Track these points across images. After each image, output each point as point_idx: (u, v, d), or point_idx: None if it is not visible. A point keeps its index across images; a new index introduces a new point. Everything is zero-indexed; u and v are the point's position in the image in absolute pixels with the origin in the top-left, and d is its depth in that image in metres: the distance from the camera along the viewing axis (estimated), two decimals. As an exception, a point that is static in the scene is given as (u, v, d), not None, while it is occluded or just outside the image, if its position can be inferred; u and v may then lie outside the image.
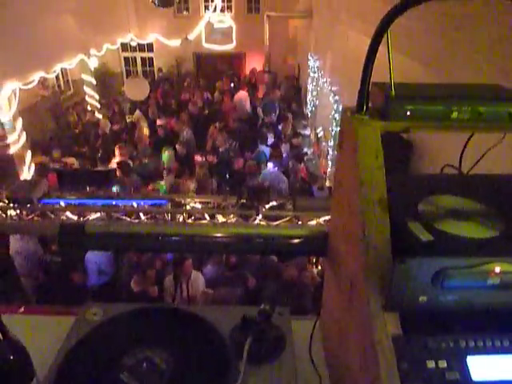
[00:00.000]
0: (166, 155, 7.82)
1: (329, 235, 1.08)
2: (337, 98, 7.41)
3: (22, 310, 1.47)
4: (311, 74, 11.04)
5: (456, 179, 1.05)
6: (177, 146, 8.26)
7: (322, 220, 4.29)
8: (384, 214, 0.78)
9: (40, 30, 8.51)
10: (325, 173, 8.04)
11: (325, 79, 8.88)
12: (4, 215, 4.38)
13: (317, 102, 10.85)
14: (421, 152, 3.59)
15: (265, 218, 4.45)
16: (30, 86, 8.33)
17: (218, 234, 1.44)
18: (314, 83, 10.83)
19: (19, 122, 8.09)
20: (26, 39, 7.92)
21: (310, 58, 11.17)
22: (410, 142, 3.76)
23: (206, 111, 10.81)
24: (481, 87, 0.94)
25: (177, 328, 1.16)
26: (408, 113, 0.82)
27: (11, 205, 4.36)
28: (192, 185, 7.07)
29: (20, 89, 7.94)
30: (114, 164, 7.30)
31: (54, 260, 5.16)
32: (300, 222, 4.45)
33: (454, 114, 0.84)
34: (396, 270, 0.71)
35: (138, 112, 10.31)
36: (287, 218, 4.45)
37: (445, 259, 0.72)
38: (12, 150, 8.07)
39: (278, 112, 10.65)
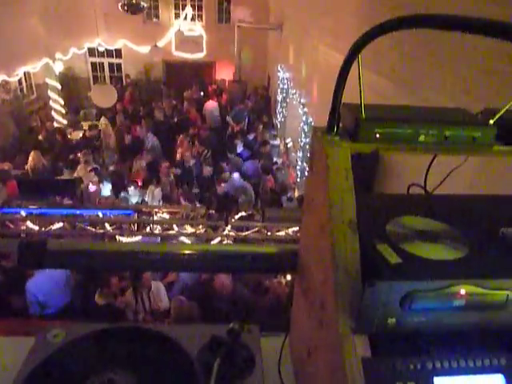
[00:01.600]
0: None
1: (299, 253, 1.08)
2: (306, 109, 7.52)
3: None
4: (281, 85, 11.17)
5: (422, 199, 1.07)
6: (144, 154, 8.13)
7: (290, 231, 4.32)
8: (353, 235, 0.79)
9: (3, 31, 8.21)
10: (294, 183, 8.12)
11: (294, 91, 9.01)
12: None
13: (286, 113, 10.98)
14: (387, 164, 3.68)
15: (234, 228, 4.44)
16: (-10, 90, 7.99)
17: (187, 252, 1.41)
18: (284, 94, 10.96)
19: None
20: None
21: (279, 69, 11.31)
22: (375, 154, 3.85)
23: (175, 119, 10.72)
24: (447, 111, 0.97)
25: (142, 348, 1.12)
26: (377, 135, 0.84)
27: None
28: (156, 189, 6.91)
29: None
30: (79, 172, 7.08)
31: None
32: (269, 233, 4.46)
33: (422, 137, 0.86)
34: (365, 292, 0.72)
35: (103, 119, 10.09)
36: (256, 229, 4.45)
37: (413, 282, 0.72)
38: (-31, 156, 7.70)
39: (247, 121, 10.73)
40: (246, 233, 4.49)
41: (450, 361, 0.75)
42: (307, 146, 7.67)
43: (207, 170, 7.38)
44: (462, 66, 2.70)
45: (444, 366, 0.75)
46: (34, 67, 10.02)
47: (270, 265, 1.37)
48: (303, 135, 7.74)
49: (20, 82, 11.79)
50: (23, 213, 4.33)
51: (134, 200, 6.85)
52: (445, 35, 2.88)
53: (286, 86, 10.73)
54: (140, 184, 7.24)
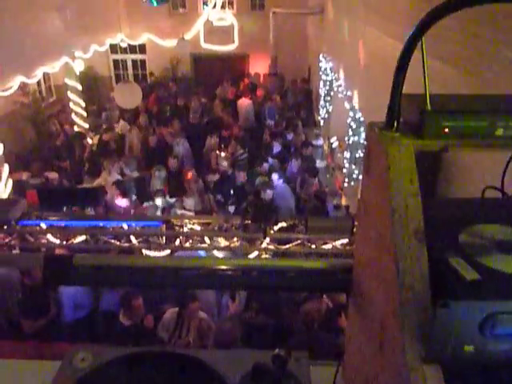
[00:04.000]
0: (156, 176, 7.79)
1: (353, 269, 1.06)
2: (353, 103, 7.44)
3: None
4: (323, 77, 11.13)
5: (500, 204, 1.03)
6: (169, 160, 8.29)
7: (339, 244, 4.26)
8: (421, 247, 0.76)
9: (21, 29, 8.66)
10: (341, 188, 8.03)
11: (339, 82, 8.95)
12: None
13: (330, 108, 10.91)
14: (453, 162, 3.55)
15: (273, 241, 4.43)
16: (8, 93, 8.45)
17: (223, 267, 1.42)
18: (327, 87, 10.91)
19: (-5, 133, 8.17)
20: (4, 39, 8.06)
21: (321, 58, 11.28)
22: (437, 155, 3.73)
23: (205, 120, 10.91)
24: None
25: (176, 375, 1.14)
26: (446, 130, 0.81)
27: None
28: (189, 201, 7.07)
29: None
30: (102, 180, 7.35)
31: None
32: (313, 246, 4.42)
33: (499, 131, 0.83)
34: (437, 314, 0.69)
35: (122, 122, 10.43)
36: (298, 242, 4.42)
37: (495, 302, 0.69)
38: (-14, 164, 8.13)
39: (285, 119, 10.75)
40: (288, 246, 4.47)
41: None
42: (355, 146, 7.58)
43: (241, 176, 7.44)
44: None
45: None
46: (53, 67, 10.48)
47: (316, 282, 1.35)
48: (351, 133, 7.66)
49: (39, 83, 12.41)
50: (43, 225, 4.51)
51: (160, 210, 7.01)
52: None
53: (329, 78, 10.68)
54: (166, 193, 7.42)
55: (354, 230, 4.16)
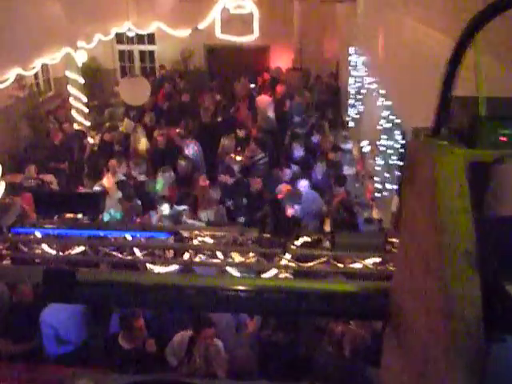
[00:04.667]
0: (161, 178, 7.86)
1: (391, 294, 1.06)
2: (388, 103, 7.41)
3: None
4: (354, 73, 11.10)
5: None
6: (179, 163, 8.36)
7: (370, 262, 4.21)
8: (472, 271, 0.76)
9: (18, 16, 8.84)
10: (372, 199, 7.98)
11: (372, 79, 8.93)
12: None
13: (361, 108, 10.88)
14: (502, 180, 3.50)
15: (294, 257, 4.41)
16: (2, 86, 8.62)
17: (238, 287, 1.43)
18: (358, 84, 10.88)
19: (-13, 130, 8.34)
20: (1, 26, 8.24)
21: (352, 52, 11.27)
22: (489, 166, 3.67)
23: (219, 118, 10.99)
24: None
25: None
26: (503, 138, 0.81)
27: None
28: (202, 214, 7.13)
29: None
30: (106, 181, 7.45)
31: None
32: (341, 265, 4.39)
33: None
34: (492, 349, 0.68)
35: (127, 120, 10.54)
36: (323, 259, 4.39)
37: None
38: (-23, 164, 8.28)
39: (309, 119, 10.77)
40: (311, 264, 4.45)
41: None
42: (389, 151, 7.53)
43: (257, 182, 7.45)
44: None
45: None
46: (53, 58, 10.65)
47: (347, 307, 1.35)
48: (384, 136, 7.61)
49: (36, 76, 12.65)
50: (38, 234, 4.57)
51: (165, 220, 7.06)
52: None
53: (360, 73, 10.65)
54: (172, 201, 7.47)
55: (388, 247, 4.13)
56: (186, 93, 12.13)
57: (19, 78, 10.18)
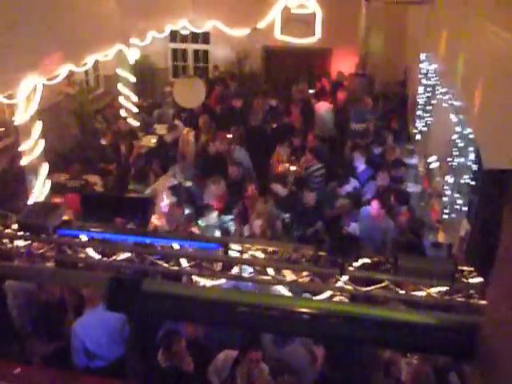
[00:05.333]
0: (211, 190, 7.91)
1: (482, 333, 1.03)
2: (461, 116, 7.24)
3: (19, 370, 1.52)
4: (424, 81, 10.93)
5: None
6: (229, 169, 8.45)
7: (435, 291, 4.13)
8: None
9: (74, 12, 9.21)
10: (438, 221, 7.79)
11: (444, 89, 8.75)
12: (10, 245, 4.68)
13: (430, 120, 10.68)
14: None
15: (352, 280, 4.37)
16: (54, 82, 8.95)
17: (292, 309, 1.43)
18: (428, 94, 10.70)
19: (37, 126, 8.66)
20: (56, 23, 8.60)
21: (423, 59, 11.10)
22: None
23: (274, 125, 11.04)
24: None
25: None
26: None
27: (20, 233, 4.65)
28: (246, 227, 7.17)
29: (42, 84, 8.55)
30: (160, 185, 7.64)
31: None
32: (402, 291, 4.31)
33: None
34: None
35: (178, 122, 10.73)
36: (383, 284, 4.33)
37: None
38: (24, 162, 8.63)
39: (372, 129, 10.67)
40: (369, 288, 4.38)
41: None
42: (461, 169, 7.34)
43: (310, 197, 7.41)
44: None
45: None
46: (105, 55, 10.99)
47: (425, 341, 1.32)
48: (456, 152, 7.43)
49: (86, 72, 13.12)
50: (84, 237, 4.73)
51: (213, 230, 7.15)
52: None
53: (431, 82, 10.47)
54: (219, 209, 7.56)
55: (457, 275, 4.02)
56: (238, 96, 12.23)
57: (70, 75, 10.54)
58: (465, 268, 4.05)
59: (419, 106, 11.37)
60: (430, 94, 10.64)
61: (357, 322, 1.40)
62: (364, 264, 4.38)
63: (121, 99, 12.41)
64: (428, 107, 10.77)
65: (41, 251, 4.68)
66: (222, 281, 4.83)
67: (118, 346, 5.31)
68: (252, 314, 1.27)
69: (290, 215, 7.64)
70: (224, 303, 1.25)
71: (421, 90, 11.25)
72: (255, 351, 4.66)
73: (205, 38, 16.14)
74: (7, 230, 4.75)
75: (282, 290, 4.96)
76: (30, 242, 4.64)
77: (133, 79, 12.38)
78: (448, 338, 1.15)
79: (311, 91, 13.20)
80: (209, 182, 8.06)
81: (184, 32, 15.26)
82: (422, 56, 11.23)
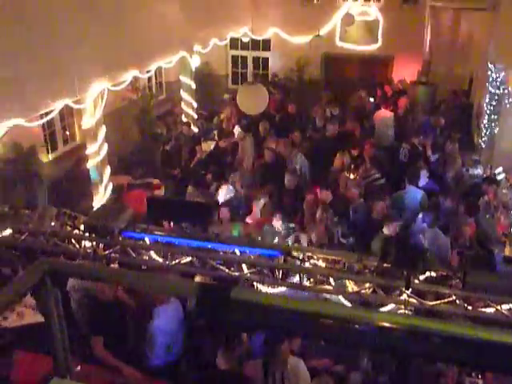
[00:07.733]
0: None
1: None
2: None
3: (79, 368, 1.54)
4: (490, 90, 10.61)
5: None
6: (286, 176, 8.42)
7: (505, 308, 3.96)
8: None
9: (142, 20, 9.48)
10: (505, 234, 7.49)
11: (513, 99, 8.46)
12: (78, 246, 4.81)
13: (496, 130, 10.36)
14: None
15: (416, 293, 4.25)
16: (119, 88, 9.22)
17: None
18: (494, 103, 10.38)
19: (102, 130, 8.94)
20: (123, 30, 8.87)
21: (490, 67, 10.78)
22: None
23: (334, 133, 10.93)
24: None
25: None
26: None
27: (87, 234, 4.78)
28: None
29: (108, 90, 8.82)
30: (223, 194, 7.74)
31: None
32: (469, 307, 4.15)
33: None
34: None
35: (237, 128, 10.79)
36: (450, 299, 4.19)
37: None
38: (89, 164, 8.92)
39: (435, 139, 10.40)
40: (434, 302, 4.25)
41: None
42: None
43: (379, 206, 7.24)
44: None
45: None
46: (169, 61, 11.24)
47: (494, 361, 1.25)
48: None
49: (149, 79, 13.44)
50: (147, 240, 4.81)
51: (271, 237, 7.13)
52: None
53: (498, 92, 10.16)
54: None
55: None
56: (294, 103, 12.22)
57: (134, 81, 10.85)
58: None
59: (485, 116, 11.04)
60: (495, 103, 10.34)
61: (421, 336, 1.33)
62: (429, 277, 4.25)
63: (183, 105, 12.65)
64: (494, 116, 10.45)
65: (106, 253, 4.79)
66: (282, 289, 4.79)
67: (183, 342, 5.44)
68: (340, 327, 1.23)
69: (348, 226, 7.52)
70: (315, 316, 1.21)
71: (486, 99, 10.94)
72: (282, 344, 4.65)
73: (265, 45, 16.25)
74: (75, 231, 4.89)
75: (343, 300, 4.87)
76: (95, 242, 4.75)
77: (194, 86, 12.60)
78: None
79: (371, 99, 13.02)
80: (260, 194, 8.04)
81: (244, 39, 15.43)
82: (489, 64, 10.92)
